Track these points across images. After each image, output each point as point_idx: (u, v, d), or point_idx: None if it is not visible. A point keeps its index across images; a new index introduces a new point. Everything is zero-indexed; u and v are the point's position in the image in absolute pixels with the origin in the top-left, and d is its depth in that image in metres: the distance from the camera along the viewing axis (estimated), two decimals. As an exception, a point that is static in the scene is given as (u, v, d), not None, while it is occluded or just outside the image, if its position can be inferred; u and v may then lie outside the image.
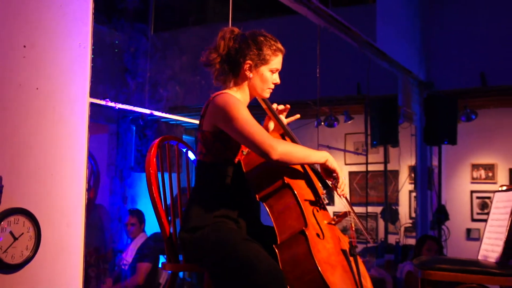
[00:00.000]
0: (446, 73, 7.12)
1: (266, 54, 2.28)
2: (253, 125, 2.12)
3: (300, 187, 2.19)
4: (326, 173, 2.29)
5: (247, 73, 2.29)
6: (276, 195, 2.15)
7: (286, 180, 2.14)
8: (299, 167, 2.31)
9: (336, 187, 2.28)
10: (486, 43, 6.81)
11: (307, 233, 2.01)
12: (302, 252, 1.99)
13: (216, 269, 2.11)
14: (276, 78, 2.34)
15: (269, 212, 2.15)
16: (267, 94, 2.35)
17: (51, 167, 2.44)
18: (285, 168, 2.19)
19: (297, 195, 2.13)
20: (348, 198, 2.39)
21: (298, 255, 1.98)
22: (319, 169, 2.35)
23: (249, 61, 2.28)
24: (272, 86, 2.35)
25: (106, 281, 4.96)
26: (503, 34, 6.71)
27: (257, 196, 2.16)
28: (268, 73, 2.30)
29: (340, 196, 2.29)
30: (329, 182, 2.33)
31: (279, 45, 2.32)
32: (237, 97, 2.26)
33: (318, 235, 2.08)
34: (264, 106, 2.43)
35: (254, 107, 2.45)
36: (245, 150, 2.25)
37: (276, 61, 2.31)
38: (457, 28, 7.05)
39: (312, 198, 2.23)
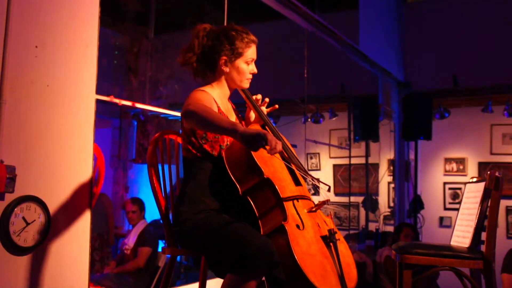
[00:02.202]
0: (422, 75, 7.16)
1: (239, 47, 2.21)
2: (200, 100, 2.09)
3: (280, 179, 2.13)
4: (252, 145, 1.87)
5: (224, 68, 2.23)
6: (257, 189, 2.09)
7: (266, 174, 2.07)
8: (278, 159, 2.20)
9: (267, 145, 1.89)
10: (458, 47, 6.86)
11: (286, 227, 1.98)
12: (282, 246, 1.97)
13: (211, 253, 2.09)
14: (253, 68, 2.27)
15: (252, 204, 2.10)
16: (246, 85, 2.29)
17: (60, 158, 2.44)
18: (266, 161, 2.12)
19: (277, 189, 2.08)
20: (286, 154, 2.20)
21: (279, 248, 1.96)
22: (292, 158, 2.22)
23: (223, 57, 2.22)
24: (250, 77, 2.28)
25: (110, 264, 4.97)
26: (473, 40, 6.76)
27: (239, 190, 2.10)
28: (244, 65, 2.24)
29: (272, 154, 1.94)
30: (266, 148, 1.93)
31: (251, 37, 2.25)
32: (205, 93, 2.19)
33: (298, 226, 2.05)
34: (244, 97, 2.36)
35: (240, 104, 2.43)
36: (224, 144, 2.20)
37: (250, 52, 2.24)
38: (432, 33, 7.08)
39: (293, 188, 2.18)
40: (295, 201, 2.14)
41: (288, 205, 2.08)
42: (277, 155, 2.19)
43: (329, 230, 2.13)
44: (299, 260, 1.93)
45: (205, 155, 2.18)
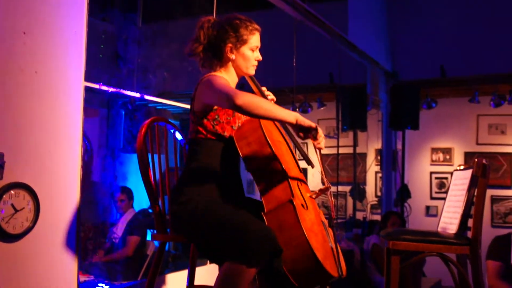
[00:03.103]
0: (410, 65, 7.18)
1: (244, 34, 2.27)
2: (225, 83, 2.12)
3: (287, 161, 2.19)
4: (303, 132, 2.10)
5: (230, 55, 2.29)
6: (265, 167, 2.14)
7: (276, 153, 2.13)
8: (284, 144, 2.28)
9: (315, 139, 2.12)
10: (446, 38, 6.88)
11: (294, 202, 2.03)
12: (290, 220, 2.00)
13: (210, 238, 2.08)
14: (258, 55, 2.34)
15: (256, 182, 2.15)
16: (252, 71, 2.35)
17: (49, 144, 2.42)
18: (275, 143, 2.18)
19: (285, 169, 2.13)
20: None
21: (286, 223, 1.99)
22: (293, 132, 2.24)
23: (229, 44, 2.27)
24: (255, 63, 2.34)
25: (98, 252, 4.95)
26: (460, 30, 6.79)
27: (247, 168, 2.15)
28: (249, 52, 2.30)
29: (316, 149, 2.17)
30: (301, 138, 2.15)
31: (255, 25, 2.32)
32: (225, 78, 2.25)
33: (302, 205, 2.10)
34: (251, 83, 2.42)
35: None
36: (235, 125, 2.24)
37: (255, 39, 2.31)
38: (420, 24, 7.10)
39: (297, 172, 2.24)
40: (299, 184, 2.20)
41: (293, 185, 2.13)
42: (282, 139, 2.23)
43: (329, 215, 2.24)
44: (307, 234, 1.96)
45: (216, 136, 2.22)
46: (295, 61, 5.19)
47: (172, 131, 2.63)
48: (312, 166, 2.36)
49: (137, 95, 3.62)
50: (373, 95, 6.87)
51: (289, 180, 2.12)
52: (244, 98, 1.99)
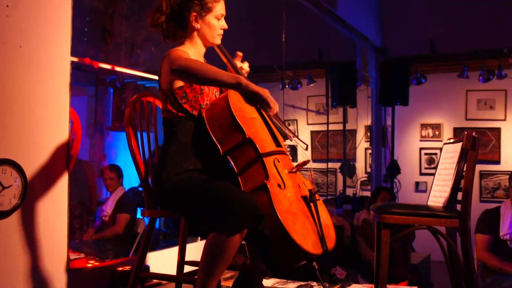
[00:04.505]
0: (400, 40, 7.15)
1: (208, 2, 2.20)
2: (180, 54, 2.08)
3: (261, 139, 2.13)
4: (249, 99, 2.07)
5: (194, 24, 2.22)
6: (239, 149, 2.09)
7: (248, 134, 2.07)
8: (258, 119, 2.22)
9: (266, 107, 2.08)
10: (435, 13, 6.86)
11: (268, 185, 1.99)
12: (264, 204, 1.97)
13: (193, 212, 2.08)
14: (223, 24, 2.27)
15: (232, 164, 2.11)
16: (218, 41, 2.28)
17: (36, 120, 2.39)
18: (248, 122, 2.12)
19: (259, 149, 2.08)
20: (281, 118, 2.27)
21: (261, 206, 1.96)
22: (272, 117, 2.22)
23: (193, 13, 2.20)
24: (221, 32, 2.28)
25: (88, 231, 4.94)
26: (450, 5, 6.76)
27: (220, 150, 2.09)
28: (214, 20, 2.23)
29: (271, 116, 2.14)
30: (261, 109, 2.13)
31: None
32: (184, 51, 2.18)
33: (279, 185, 2.06)
34: (219, 52, 2.35)
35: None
36: (204, 104, 2.19)
37: (219, 7, 2.24)
38: (409, -1, 7.07)
39: (273, 149, 2.18)
40: (276, 162, 2.15)
41: (269, 165, 2.09)
42: (257, 114, 2.19)
43: (310, 190, 2.17)
44: (281, 217, 1.94)
45: (186, 114, 2.17)
46: (284, 37, 5.14)
47: (161, 107, 2.60)
48: (286, 139, 2.31)
49: (125, 70, 3.57)
50: (362, 71, 6.85)
51: (264, 159, 2.07)
52: (180, 63, 1.97)
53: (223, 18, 2.27)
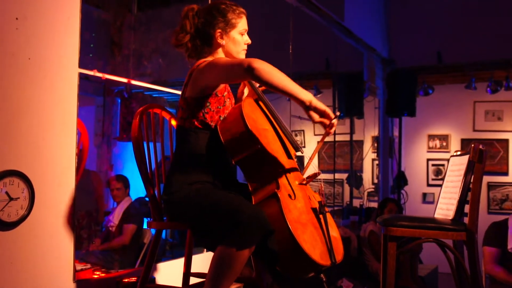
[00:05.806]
0: (407, 51, 7.16)
1: (232, 18, 2.25)
2: (231, 59, 2.12)
3: (273, 150, 2.15)
4: (315, 114, 2.11)
5: (220, 40, 2.26)
6: (251, 159, 2.12)
7: (261, 145, 2.10)
8: (271, 130, 2.25)
9: (326, 126, 2.15)
10: (442, 24, 6.86)
11: (279, 195, 2.02)
12: (275, 213, 1.99)
13: (202, 224, 2.08)
14: (247, 39, 2.32)
15: (243, 173, 2.14)
16: (242, 56, 2.32)
17: (43, 132, 2.40)
18: (261, 133, 2.14)
19: (271, 159, 2.10)
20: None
21: (271, 215, 1.98)
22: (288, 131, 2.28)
23: (218, 30, 2.24)
24: (245, 47, 2.32)
25: (94, 241, 4.95)
26: (457, 17, 6.76)
27: (232, 160, 2.13)
28: (238, 36, 2.27)
29: (328, 134, 2.19)
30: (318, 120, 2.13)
31: (241, 8, 2.30)
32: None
33: (289, 195, 2.08)
34: None
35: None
36: (223, 115, 2.22)
37: (243, 23, 2.28)
38: (417, 10, 7.07)
39: (285, 159, 2.21)
40: (287, 173, 2.17)
41: (280, 175, 2.11)
42: (269, 125, 2.22)
43: (319, 202, 2.19)
44: (291, 227, 1.96)
45: (203, 126, 2.20)
46: (291, 47, 5.16)
47: (167, 118, 2.62)
48: (297, 151, 2.33)
49: (133, 81, 3.59)
50: (369, 82, 6.85)
51: (276, 170, 2.10)
52: (261, 63, 1.98)
53: (246, 33, 2.31)
